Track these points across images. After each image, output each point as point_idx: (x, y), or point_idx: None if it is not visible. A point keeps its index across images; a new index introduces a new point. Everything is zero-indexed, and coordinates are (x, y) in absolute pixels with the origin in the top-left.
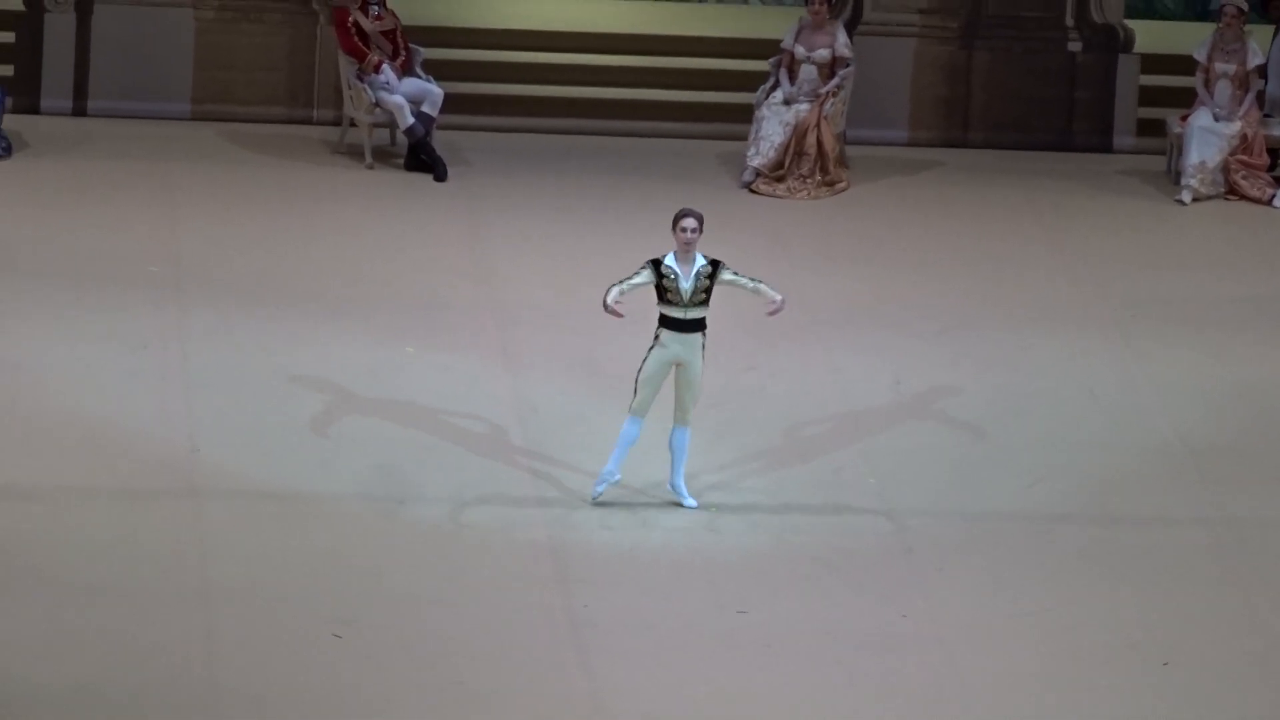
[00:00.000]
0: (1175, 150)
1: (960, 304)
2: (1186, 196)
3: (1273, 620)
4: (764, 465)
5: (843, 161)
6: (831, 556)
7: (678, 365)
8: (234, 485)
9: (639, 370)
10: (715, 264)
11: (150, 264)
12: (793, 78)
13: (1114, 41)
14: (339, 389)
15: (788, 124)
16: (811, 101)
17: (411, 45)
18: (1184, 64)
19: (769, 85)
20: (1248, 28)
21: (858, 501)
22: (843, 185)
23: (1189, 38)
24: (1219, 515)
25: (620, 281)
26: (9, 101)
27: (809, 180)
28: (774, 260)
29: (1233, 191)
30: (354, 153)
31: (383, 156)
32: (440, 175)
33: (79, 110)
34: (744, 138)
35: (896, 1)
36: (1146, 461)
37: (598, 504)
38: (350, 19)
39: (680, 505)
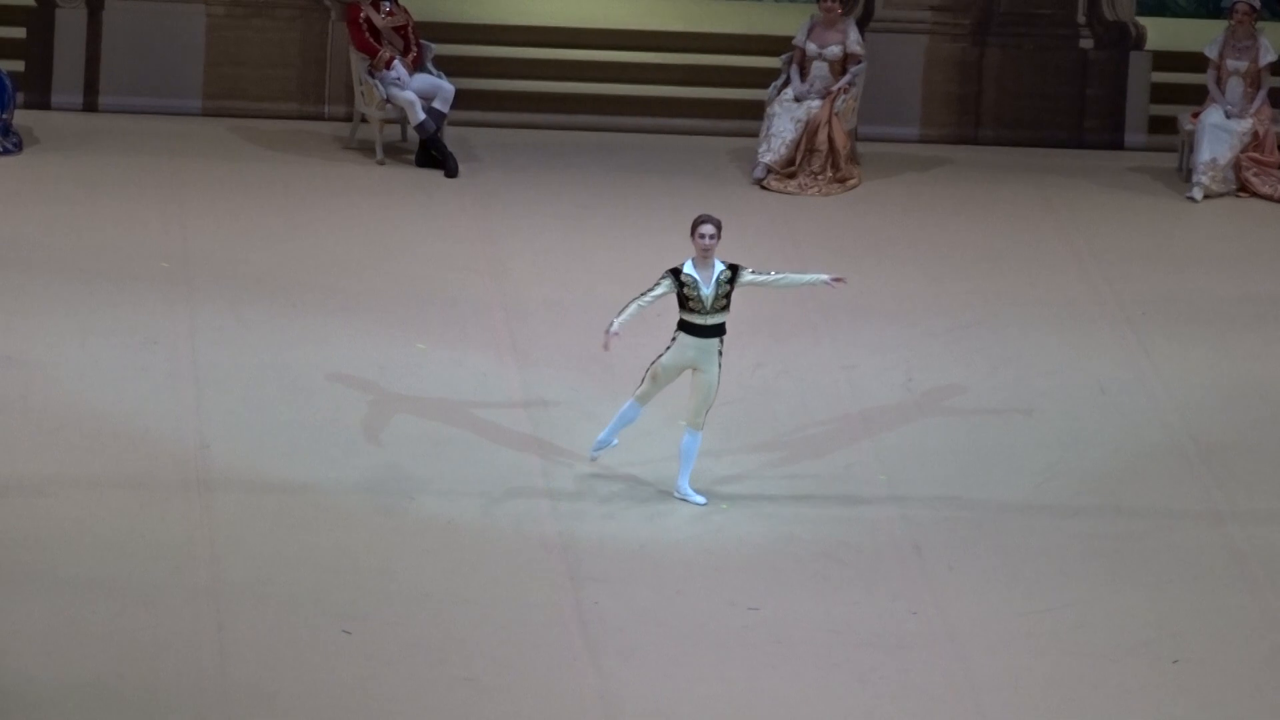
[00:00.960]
0: (1186, 147)
1: (971, 301)
2: (1198, 194)
3: None
4: (775, 462)
5: (854, 158)
6: (842, 553)
7: (693, 370)
8: (244, 481)
9: (653, 362)
10: (734, 268)
11: (161, 260)
12: (804, 75)
13: (1125, 39)
14: (349, 385)
15: (799, 120)
16: (823, 98)
17: (423, 41)
18: (1195, 61)
19: (780, 82)
20: (1259, 25)
21: (869, 498)
22: (854, 182)
23: (1201, 35)
24: (1230, 512)
25: (640, 296)
26: (20, 97)
27: (820, 177)
28: (785, 257)
29: (1244, 189)
30: (365, 149)
31: (394, 152)
32: (451, 171)
33: (90, 106)
34: (755, 134)
35: None
36: (1157, 459)
37: (608, 501)
38: (362, 15)
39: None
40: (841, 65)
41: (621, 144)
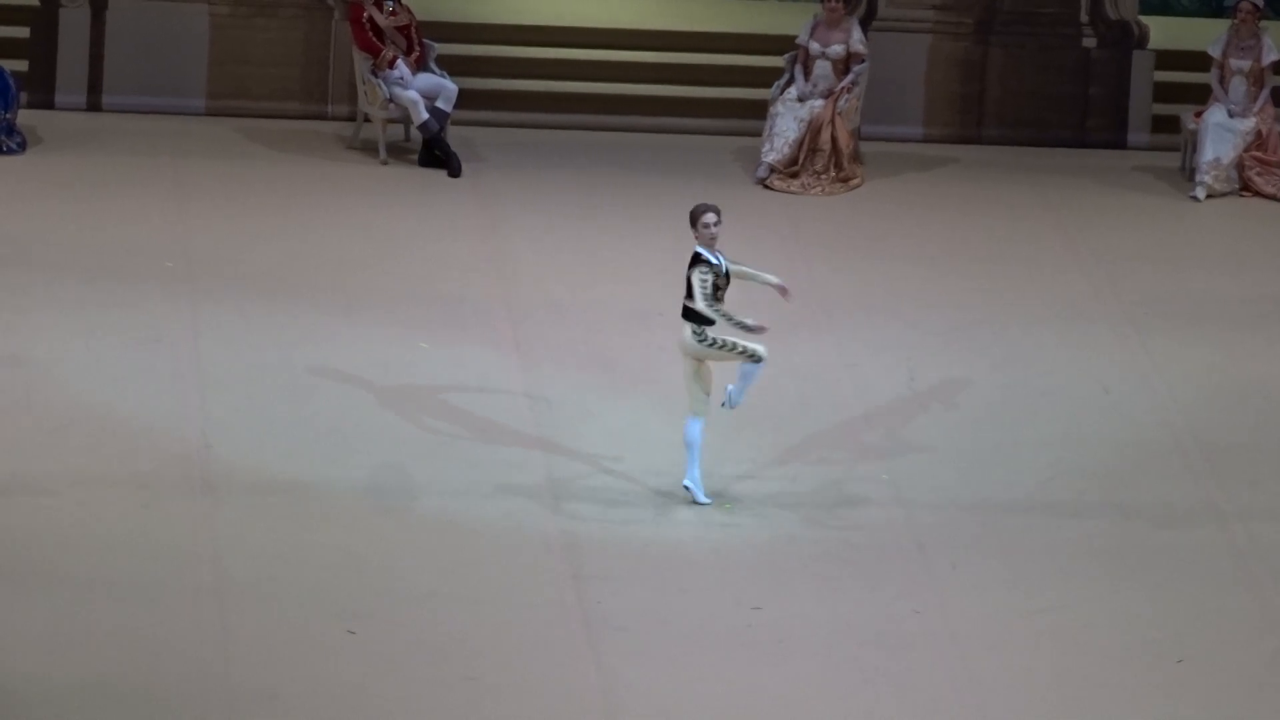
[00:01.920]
0: (1190, 147)
1: (974, 300)
2: (1201, 193)
3: None
4: (778, 461)
5: (857, 158)
6: (845, 552)
7: (699, 360)
8: (247, 480)
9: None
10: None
11: (164, 259)
12: (808, 74)
13: (1128, 38)
14: (352, 384)
15: (802, 120)
16: (826, 98)
17: (426, 40)
18: (1199, 60)
19: (784, 81)
20: (1263, 24)
21: (871, 497)
22: (857, 181)
23: (1204, 34)
24: (1233, 512)
25: (706, 302)
26: (24, 97)
27: (823, 176)
28: (788, 256)
29: (1247, 188)
30: (368, 148)
31: (397, 152)
32: (454, 171)
33: (94, 105)
34: (759, 133)
35: None
36: (1160, 458)
37: (611, 500)
38: (365, 14)
39: (694, 502)
40: (845, 64)
41: (625, 144)
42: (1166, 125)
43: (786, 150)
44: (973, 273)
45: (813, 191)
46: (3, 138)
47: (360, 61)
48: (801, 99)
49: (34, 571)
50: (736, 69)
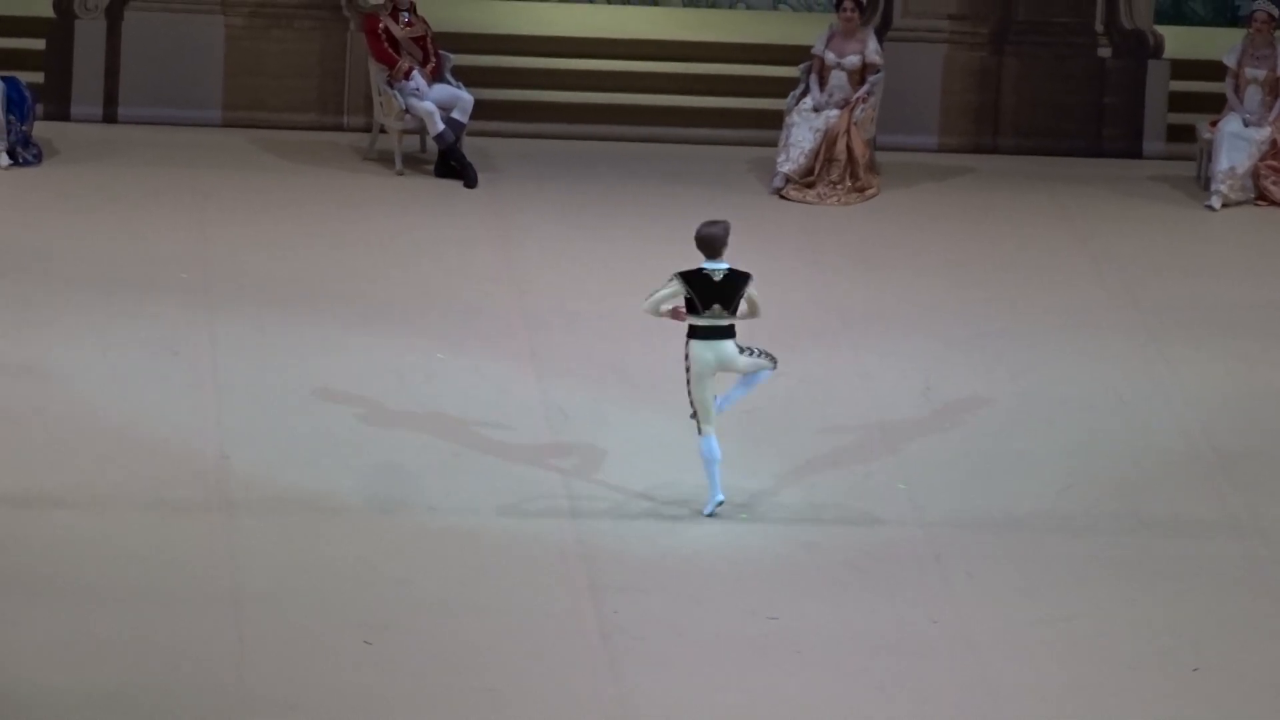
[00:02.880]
0: (1205, 156)
1: (990, 310)
2: (1216, 202)
3: None
4: (794, 470)
5: (873, 168)
6: (861, 562)
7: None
8: (264, 492)
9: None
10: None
11: (181, 271)
12: (823, 84)
13: (1143, 47)
14: (369, 395)
15: (818, 130)
16: (841, 108)
17: (441, 51)
18: (1214, 69)
19: (799, 91)
20: (1278, 33)
21: (887, 507)
22: (873, 191)
23: (1219, 43)
24: (1249, 521)
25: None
26: (39, 109)
27: (839, 186)
28: (804, 266)
29: (1262, 197)
30: (384, 159)
31: (413, 163)
32: (470, 182)
33: (109, 117)
34: (774, 144)
35: (926, 8)
36: (1176, 467)
37: (627, 510)
38: (380, 25)
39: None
40: (860, 75)
41: (640, 154)
42: (1182, 134)
43: (802, 160)
44: (988, 282)
45: (828, 201)
46: (19, 149)
47: (376, 72)
48: (817, 109)
49: (51, 582)
50: (752, 79)
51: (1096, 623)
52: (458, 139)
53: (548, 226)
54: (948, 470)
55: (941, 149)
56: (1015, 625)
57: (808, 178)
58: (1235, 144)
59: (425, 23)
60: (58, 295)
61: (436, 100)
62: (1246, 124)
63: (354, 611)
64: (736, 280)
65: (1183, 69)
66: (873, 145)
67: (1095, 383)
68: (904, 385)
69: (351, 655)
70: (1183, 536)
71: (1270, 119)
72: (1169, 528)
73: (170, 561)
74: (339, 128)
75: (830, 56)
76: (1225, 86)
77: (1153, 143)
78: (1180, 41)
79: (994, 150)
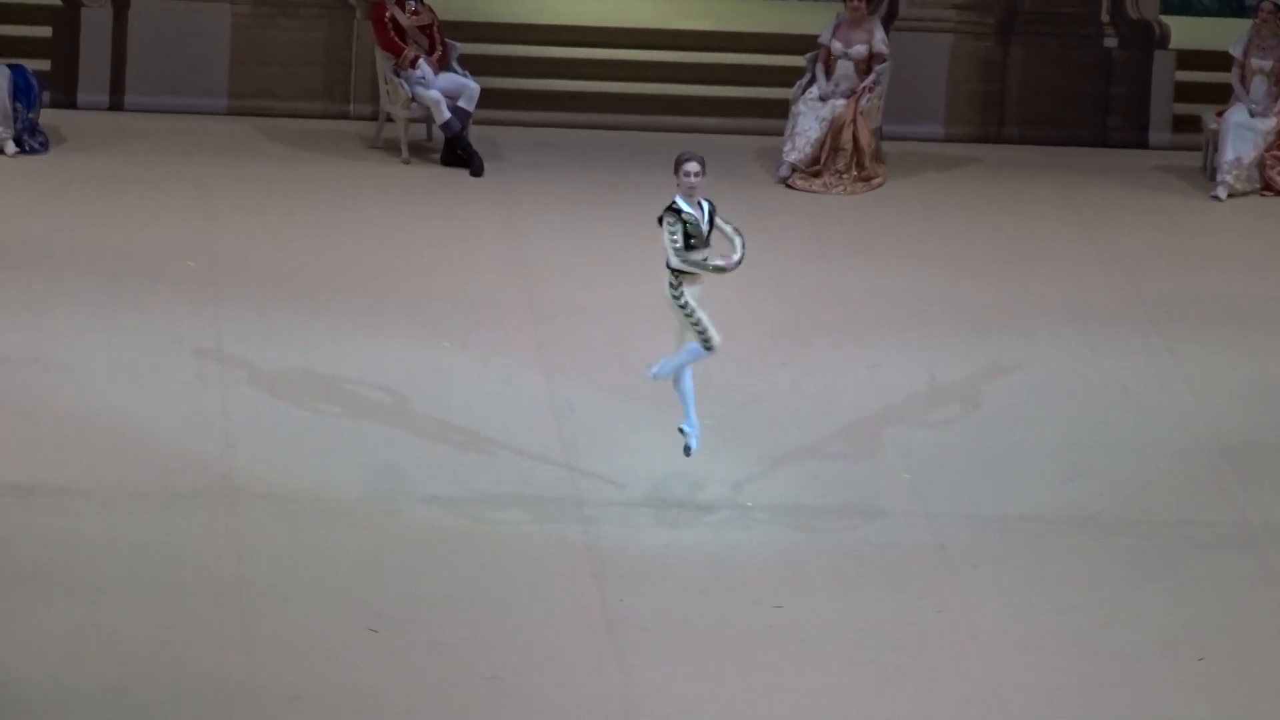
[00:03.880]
0: (1211, 146)
1: (995, 300)
2: (1222, 193)
3: None
4: (798, 461)
5: (879, 157)
6: (866, 553)
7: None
8: (269, 483)
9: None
10: (713, 206)
11: (186, 260)
12: (829, 74)
13: (1150, 37)
14: (374, 386)
15: (824, 119)
16: (848, 97)
17: (448, 40)
18: (1220, 60)
19: (806, 81)
20: None
21: (892, 498)
22: (879, 181)
23: (1225, 34)
24: (1254, 513)
25: (676, 248)
26: (46, 96)
27: (845, 176)
28: (810, 256)
29: (1268, 188)
30: (390, 148)
31: (419, 152)
32: (476, 170)
33: (116, 105)
34: (780, 133)
35: None
36: (1181, 459)
37: (632, 501)
38: (387, 14)
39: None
40: (867, 64)
41: (647, 143)
42: (1188, 125)
43: (808, 150)
44: (993, 273)
45: (834, 191)
46: (25, 137)
47: (382, 61)
48: (823, 98)
49: (55, 574)
50: (758, 68)
51: (1101, 614)
52: (464, 128)
53: (554, 216)
54: (953, 461)
55: (947, 139)
56: (1020, 616)
57: (814, 167)
58: (1241, 134)
59: (431, 11)
60: (63, 285)
61: (443, 89)
62: (1252, 114)
63: (359, 603)
64: (711, 213)
65: (1189, 59)
66: (879, 135)
67: (1099, 374)
68: (909, 376)
69: (356, 647)
70: (1188, 528)
71: (1276, 109)
72: (1174, 519)
73: (175, 552)
74: (345, 116)
75: (837, 46)
76: (1231, 77)
77: (1159, 133)
78: (1186, 32)
79: (1000, 140)
